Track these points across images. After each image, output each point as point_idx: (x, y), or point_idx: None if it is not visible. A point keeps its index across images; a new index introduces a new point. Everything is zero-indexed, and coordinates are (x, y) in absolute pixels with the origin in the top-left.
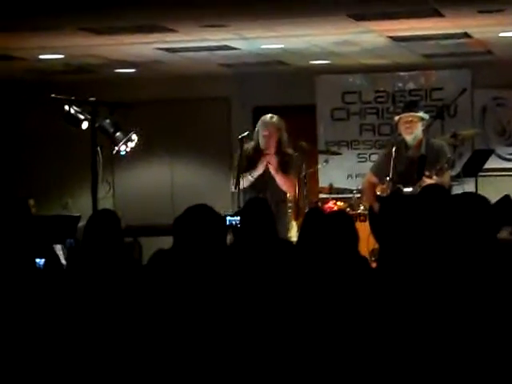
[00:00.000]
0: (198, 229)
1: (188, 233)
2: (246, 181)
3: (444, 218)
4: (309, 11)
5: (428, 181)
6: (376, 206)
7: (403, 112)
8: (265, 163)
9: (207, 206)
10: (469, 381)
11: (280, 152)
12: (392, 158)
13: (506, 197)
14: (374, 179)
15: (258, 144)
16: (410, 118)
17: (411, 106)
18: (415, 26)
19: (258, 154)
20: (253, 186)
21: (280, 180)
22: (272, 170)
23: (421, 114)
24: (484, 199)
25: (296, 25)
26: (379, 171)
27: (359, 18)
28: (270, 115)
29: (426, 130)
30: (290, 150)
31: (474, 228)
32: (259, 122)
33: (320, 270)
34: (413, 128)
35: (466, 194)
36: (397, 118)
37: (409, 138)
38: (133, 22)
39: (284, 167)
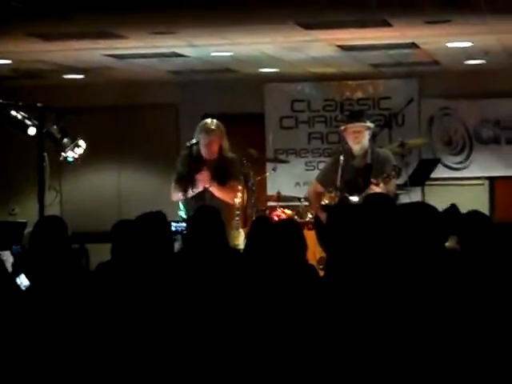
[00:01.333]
0: (137, 235)
1: (126, 240)
2: (188, 194)
3: (390, 226)
4: (258, 19)
5: (374, 189)
6: (322, 216)
7: (350, 122)
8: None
9: (161, 213)
10: None
11: (221, 158)
12: (339, 167)
13: (453, 206)
14: (320, 188)
15: (198, 151)
16: (357, 128)
17: (358, 116)
18: (363, 35)
19: (199, 161)
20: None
21: (217, 193)
22: (207, 186)
23: (367, 123)
24: (432, 208)
25: (245, 32)
26: (325, 180)
27: (308, 26)
28: (209, 121)
29: (372, 139)
30: (230, 154)
31: (422, 237)
32: (199, 129)
33: (267, 279)
34: (360, 138)
35: (414, 204)
36: (343, 127)
37: (356, 148)
38: (82, 27)
39: (225, 173)
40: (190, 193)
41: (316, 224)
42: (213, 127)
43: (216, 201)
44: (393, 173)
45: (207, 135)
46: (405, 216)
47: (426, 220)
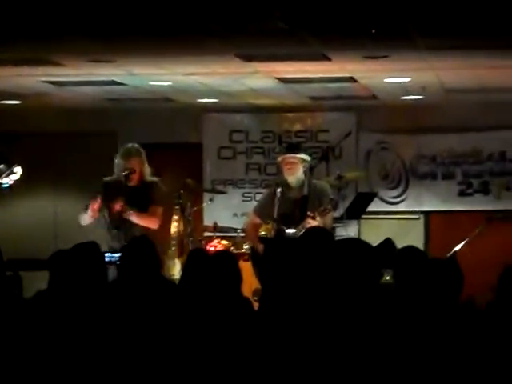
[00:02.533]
0: (74, 265)
1: (67, 269)
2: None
3: (327, 261)
4: (197, 49)
5: (311, 222)
6: (259, 247)
7: (285, 153)
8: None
9: (94, 244)
10: None
11: (141, 183)
12: (276, 199)
13: (388, 240)
14: (257, 220)
15: (118, 177)
16: (291, 160)
17: (293, 148)
18: (302, 68)
19: (118, 187)
20: (112, 222)
21: (137, 220)
22: (127, 217)
23: (302, 155)
24: (367, 245)
25: (184, 62)
26: (262, 212)
27: (247, 58)
28: (129, 146)
29: (308, 172)
30: (151, 179)
31: (356, 273)
32: (118, 156)
33: (202, 311)
34: (294, 169)
35: (349, 240)
36: (280, 158)
37: (290, 179)
38: (19, 54)
39: (146, 198)
40: (101, 216)
41: (252, 256)
42: (131, 155)
43: (137, 228)
44: (329, 206)
45: (125, 159)
46: (340, 252)
47: (359, 256)
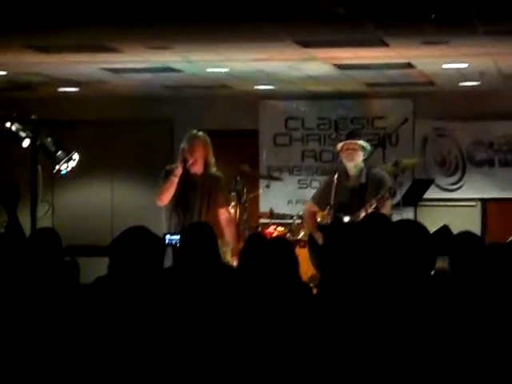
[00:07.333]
0: (135, 251)
1: (124, 255)
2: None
3: (385, 246)
4: (255, 36)
5: (369, 210)
6: (317, 235)
7: (346, 139)
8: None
9: (144, 228)
10: None
11: (206, 173)
12: (333, 186)
13: (445, 227)
14: (315, 208)
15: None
16: (352, 146)
17: (353, 135)
18: (360, 54)
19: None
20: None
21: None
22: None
23: (362, 142)
24: (422, 226)
25: (241, 49)
26: (320, 200)
27: (305, 44)
28: (194, 132)
29: (367, 160)
30: (217, 173)
31: (412, 256)
32: (184, 138)
33: (262, 295)
34: (354, 155)
35: (404, 222)
36: (339, 145)
37: (350, 166)
38: (78, 41)
39: (212, 192)
40: (173, 178)
41: (310, 243)
42: (197, 134)
43: (207, 217)
44: (387, 194)
45: (191, 141)
46: (394, 234)
47: (417, 239)
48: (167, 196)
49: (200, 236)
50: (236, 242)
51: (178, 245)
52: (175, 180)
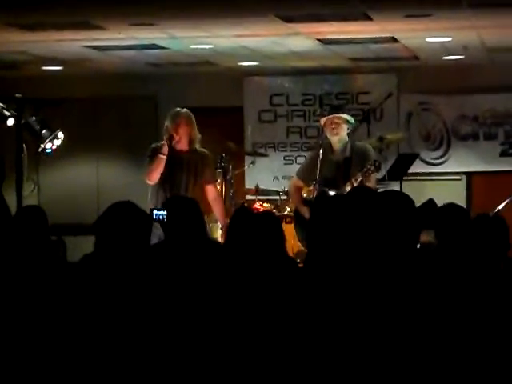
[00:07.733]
0: (121, 226)
1: (111, 230)
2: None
3: (371, 219)
4: (238, 11)
5: (354, 184)
6: (303, 210)
7: (329, 114)
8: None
9: (130, 203)
10: None
11: (191, 149)
12: (318, 161)
13: (430, 201)
14: (300, 183)
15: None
16: (336, 120)
17: (337, 109)
18: (343, 29)
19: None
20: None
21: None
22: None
23: (346, 116)
24: (407, 197)
25: (225, 25)
26: (305, 175)
27: (288, 19)
28: (178, 110)
29: (351, 134)
30: (202, 150)
31: (398, 227)
32: (167, 116)
33: (249, 270)
34: (338, 129)
35: (390, 192)
36: (323, 119)
37: (334, 140)
38: (61, 18)
39: (199, 168)
40: (160, 156)
41: (296, 218)
42: (181, 112)
43: (194, 193)
44: (372, 168)
45: (174, 118)
46: (380, 204)
47: (403, 209)
48: (156, 174)
49: (186, 212)
50: (225, 218)
51: (165, 220)
52: (163, 158)
